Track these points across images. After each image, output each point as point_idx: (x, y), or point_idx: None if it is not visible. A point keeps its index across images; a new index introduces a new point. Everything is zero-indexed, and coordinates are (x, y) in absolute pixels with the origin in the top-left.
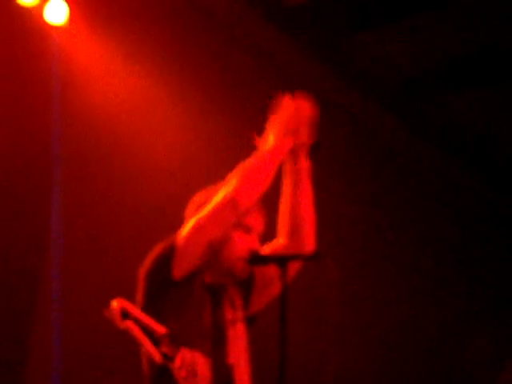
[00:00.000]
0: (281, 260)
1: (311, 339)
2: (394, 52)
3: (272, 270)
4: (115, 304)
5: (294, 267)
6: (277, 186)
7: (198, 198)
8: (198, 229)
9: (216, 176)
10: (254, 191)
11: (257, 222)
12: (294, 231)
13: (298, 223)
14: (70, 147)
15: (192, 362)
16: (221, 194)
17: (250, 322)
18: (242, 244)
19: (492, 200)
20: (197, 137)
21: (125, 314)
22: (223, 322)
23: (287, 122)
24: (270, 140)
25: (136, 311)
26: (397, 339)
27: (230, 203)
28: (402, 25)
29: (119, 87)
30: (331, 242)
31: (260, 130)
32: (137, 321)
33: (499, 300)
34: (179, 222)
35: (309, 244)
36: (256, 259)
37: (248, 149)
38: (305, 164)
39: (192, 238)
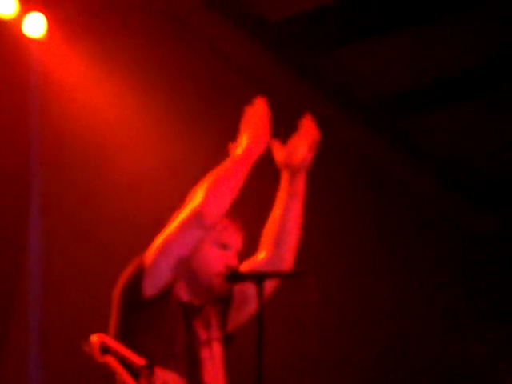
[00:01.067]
0: (258, 277)
1: (289, 357)
2: (376, 68)
3: (250, 288)
4: (94, 339)
5: (271, 285)
6: (257, 205)
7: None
8: (165, 246)
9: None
10: (221, 203)
11: (234, 239)
12: (278, 246)
13: (283, 239)
14: (48, 160)
15: (166, 382)
16: (187, 208)
17: (228, 340)
18: (219, 260)
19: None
20: (178, 148)
21: (104, 349)
22: (197, 341)
23: (257, 126)
24: (241, 145)
25: (115, 345)
26: (396, 340)
27: (196, 218)
28: (385, 41)
29: (98, 100)
30: (317, 259)
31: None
32: (116, 354)
33: (500, 302)
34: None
35: (288, 261)
36: (233, 276)
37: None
38: (302, 184)
39: (160, 255)
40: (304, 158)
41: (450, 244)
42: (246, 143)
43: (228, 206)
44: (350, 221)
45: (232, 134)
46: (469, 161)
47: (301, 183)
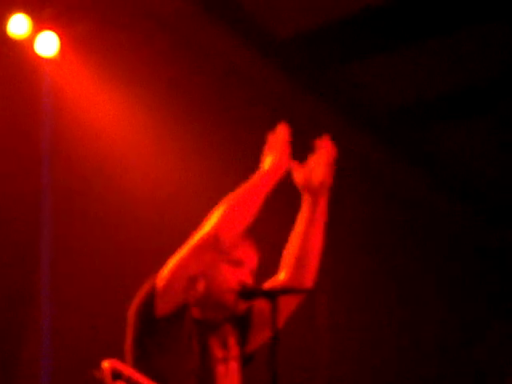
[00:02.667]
0: (270, 294)
1: (303, 374)
2: (385, 82)
3: (268, 309)
4: (106, 364)
5: (290, 304)
6: (274, 225)
7: None
8: (178, 267)
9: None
10: (236, 226)
11: (248, 257)
12: (298, 267)
13: (303, 261)
14: (59, 179)
15: None
16: (202, 229)
17: (248, 360)
18: (232, 277)
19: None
20: (189, 169)
21: (116, 375)
22: (212, 359)
23: (278, 152)
24: (264, 165)
25: (127, 370)
26: (403, 343)
27: (211, 240)
28: (394, 55)
29: (111, 118)
30: (329, 276)
31: (251, 161)
32: (128, 380)
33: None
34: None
35: (308, 282)
36: (246, 293)
37: (240, 179)
38: (323, 206)
39: (173, 275)
40: (324, 178)
41: (457, 256)
42: (265, 168)
43: (243, 229)
44: (359, 235)
45: (243, 149)
46: (478, 175)
47: (322, 205)
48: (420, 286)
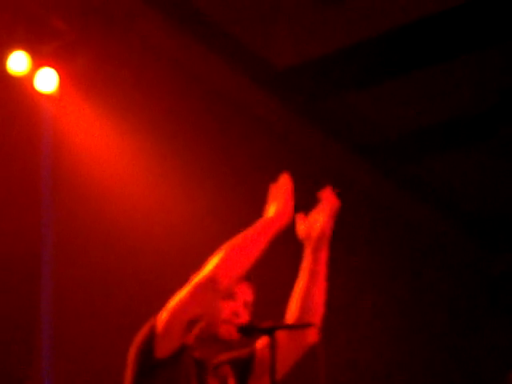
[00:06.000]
0: (269, 330)
1: None
2: (382, 113)
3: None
4: None
5: (294, 352)
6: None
7: None
8: (177, 310)
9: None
10: (235, 270)
11: (242, 291)
12: (302, 316)
13: (307, 310)
14: (60, 217)
15: None
16: (201, 273)
17: None
18: (224, 308)
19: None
20: (191, 203)
21: None
22: None
23: (282, 201)
24: (268, 213)
25: None
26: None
27: (209, 283)
28: (392, 84)
29: (110, 154)
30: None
31: (252, 195)
32: None
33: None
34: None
35: (313, 333)
36: (244, 329)
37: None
38: (325, 257)
39: (172, 319)
40: (323, 230)
41: (457, 283)
42: (268, 216)
43: (242, 273)
44: (357, 265)
45: (242, 179)
46: (475, 202)
47: (323, 257)
48: (423, 322)
